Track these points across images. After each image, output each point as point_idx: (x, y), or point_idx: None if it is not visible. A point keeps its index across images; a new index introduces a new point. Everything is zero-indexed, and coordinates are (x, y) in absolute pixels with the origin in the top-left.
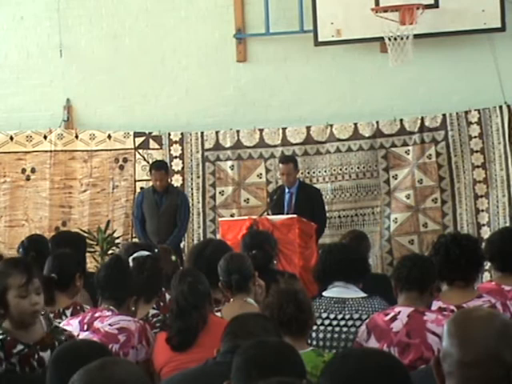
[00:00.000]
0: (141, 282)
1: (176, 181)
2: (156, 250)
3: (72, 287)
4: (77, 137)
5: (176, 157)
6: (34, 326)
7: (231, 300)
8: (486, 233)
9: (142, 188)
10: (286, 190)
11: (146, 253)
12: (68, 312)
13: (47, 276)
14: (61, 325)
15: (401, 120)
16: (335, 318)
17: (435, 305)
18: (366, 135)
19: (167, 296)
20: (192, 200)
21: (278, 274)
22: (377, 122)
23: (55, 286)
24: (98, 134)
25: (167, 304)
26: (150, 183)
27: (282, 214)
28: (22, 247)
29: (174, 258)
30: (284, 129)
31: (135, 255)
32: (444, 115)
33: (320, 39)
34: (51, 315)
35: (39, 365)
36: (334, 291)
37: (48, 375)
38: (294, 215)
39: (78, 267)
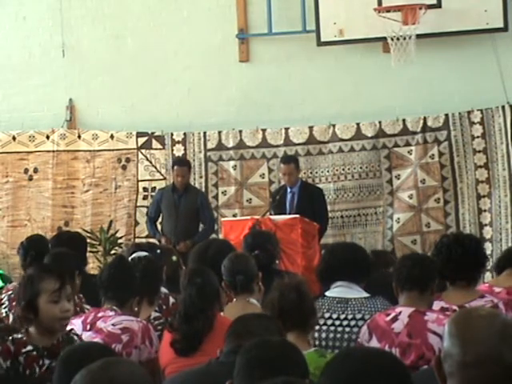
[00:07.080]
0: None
1: None
2: (158, 251)
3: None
4: (79, 137)
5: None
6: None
7: (234, 300)
8: (488, 233)
9: (144, 188)
10: (288, 190)
11: (143, 253)
12: None
13: None
14: None
15: (403, 120)
16: (338, 318)
17: (437, 305)
18: (369, 135)
19: (171, 299)
20: None
21: (280, 274)
22: (379, 122)
23: None
24: (100, 134)
25: (170, 307)
26: (153, 184)
27: (284, 213)
28: (21, 248)
29: (174, 258)
30: (286, 129)
31: (132, 256)
32: (446, 115)
33: (322, 39)
34: None
35: (40, 371)
36: (337, 291)
37: (55, 376)
38: (297, 215)
39: (76, 265)
